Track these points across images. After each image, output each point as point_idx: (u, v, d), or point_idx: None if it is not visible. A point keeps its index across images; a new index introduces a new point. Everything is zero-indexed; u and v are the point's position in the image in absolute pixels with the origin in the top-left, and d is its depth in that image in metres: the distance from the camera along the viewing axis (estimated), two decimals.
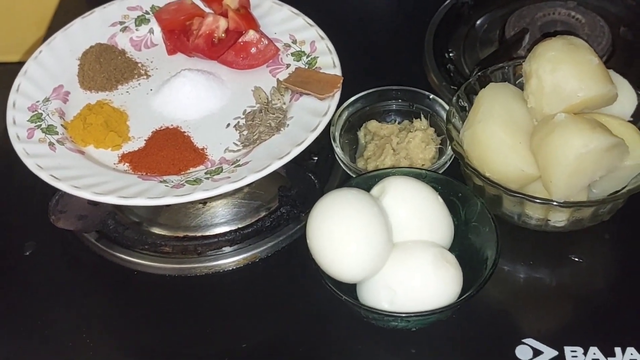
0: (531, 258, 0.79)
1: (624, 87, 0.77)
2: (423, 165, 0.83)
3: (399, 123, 0.89)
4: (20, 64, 0.86)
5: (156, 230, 0.82)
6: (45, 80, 0.83)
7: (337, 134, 0.85)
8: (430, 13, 1.04)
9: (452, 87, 0.94)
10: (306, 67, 0.83)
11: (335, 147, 0.83)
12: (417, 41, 1.01)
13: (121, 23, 0.90)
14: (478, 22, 1.04)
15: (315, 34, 0.86)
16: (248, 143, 0.77)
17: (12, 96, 0.81)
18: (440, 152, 0.85)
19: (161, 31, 0.90)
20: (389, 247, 0.69)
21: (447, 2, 1.04)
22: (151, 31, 0.90)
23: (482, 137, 0.74)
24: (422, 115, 0.88)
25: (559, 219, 0.75)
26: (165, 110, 0.82)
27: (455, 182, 0.76)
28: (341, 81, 0.79)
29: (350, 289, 0.71)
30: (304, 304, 0.76)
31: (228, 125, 0.80)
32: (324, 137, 0.84)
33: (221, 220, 0.82)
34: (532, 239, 0.79)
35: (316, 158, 0.87)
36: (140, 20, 0.90)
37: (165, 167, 0.75)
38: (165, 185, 0.72)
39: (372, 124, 0.87)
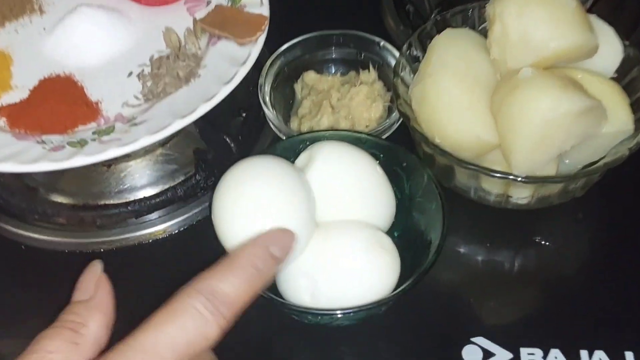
0: (489, 239, 0.66)
1: (607, 36, 0.64)
2: (367, 126, 0.70)
3: (343, 75, 0.76)
4: None
5: (54, 198, 0.69)
6: None
7: (267, 87, 0.71)
8: None
9: (410, 32, 0.80)
10: (229, 5, 0.69)
11: (263, 104, 0.70)
12: None
13: None
14: None
15: None
16: (151, 97, 0.64)
17: None
18: (390, 111, 0.72)
19: None
20: (310, 227, 0.57)
21: None
22: None
23: (432, 94, 0.61)
24: (370, 66, 0.75)
25: (521, 195, 0.62)
26: (57, 55, 0.68)
27: (400, 149, 0.63)
28: (266, 22, 0.66)
29: None
30: None
31: (130, 74, 0.67)
32: (256, 91, 0.70)
33: (127, 186, 0.69)
34: (492, 216, 0.66)
35: (244, 115, 0.74)
36: None
37: (49, 123, 0.62)
38: (43, 148, 0.59)
39: (310, 76, 0.74)
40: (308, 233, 0.56)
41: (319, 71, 0.75)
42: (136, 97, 0.65)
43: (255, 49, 0.64)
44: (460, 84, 0.61)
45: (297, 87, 0.75)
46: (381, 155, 0.63)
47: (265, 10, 0.67)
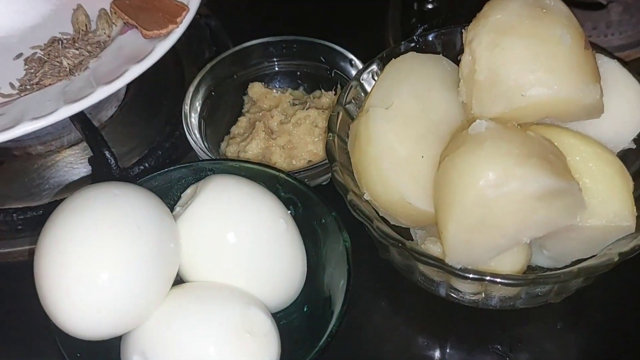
0: (441, 338, 0.49)
1: (629, 93, 0.46)
2: (310, 162, 0.55)
3: (306, 93, 0.61)
4: None
5: None
6: None
7: (199, 97, 0.57)
8: None
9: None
10: None
11: (184, 118, 0.56)
12: None
13: None
14: None
15: None
16: (27, 87, 0.51)
17: None
18: None
19: None
20: (157, 288, 0.43)
21: None
22: None
23: (364, 136, 0.45)
24: (338, 87, 0.59)
25: (467, 290, 0.45)
26: None
27: (320, 202, 0.47)
28: (184, 14, 0.52)
29: None
30: None
31: (19, 55, 0.54)
32: None
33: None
34: (444, 309, 0.50)
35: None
36: None
37: None
38: None
39: (255, 88, 0.59)
40: (153, 297, 0.42)
41: (278, 83, 0.61)
42: (12, 85, 0.52)
43: (161, 45, 0.50)
44: (403, 129, 0.45)
45: (246, 98, 0.60)
46: (300, 205, 0.48)
47: (195, 1, 0.53)
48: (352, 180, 0.47)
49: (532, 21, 0.43)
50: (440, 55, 0.50)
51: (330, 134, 0.48)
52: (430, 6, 0.69)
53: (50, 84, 0.51)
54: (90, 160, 0.55)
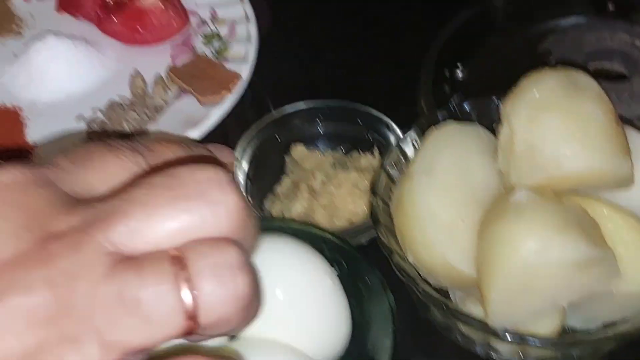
0: None
1: None
2: (350, 221, 0.58)
3: (344, 154, 0.64)
4: None
5: None
6: None
7: (245, 156, 0.60)
8: (449, 14, 0.77)
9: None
10: (212, 57, 0.59)
11: (238, 174, 0.59)
12: (421, 48, 0.74)
13: None
14: (511, 36, 0.76)
15: (242, 13, 0.62)
16: None
17: None
18: None
19: None
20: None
21: (474, 4, 0.77)
22: None
23: (408, 202, 0.49)
24: (375, 150, 0.62)
25: (504, 350, 0.48)
26: (13, 84, 0.60)
27: (363, 261, 0.50)
28: (236, 81, 0.55)
29: None
30: None
31: (80, 117, 0.58)
32: None
33: None
34: None
35: None
36: None
37: None
38: None
39: (297, 150, 0.63)
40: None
41: (317, 144, 0.64)
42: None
43: (216, 111, 0.54)
44: (445, 195, 0.48)
45: (288, 159, 0.64)
46: (344, 265, 0.51)
47: (246, 69, 0.57)
48: (395, 241, 0.50)
49: (566, 99, 0.46)
50: (477, 124, 0.53)
51: (374, 197, 0.51)
52: (460, 75, 0.72)
53: None
54: None
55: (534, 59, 0.72)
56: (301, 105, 0.64)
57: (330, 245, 0.51)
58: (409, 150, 0.54)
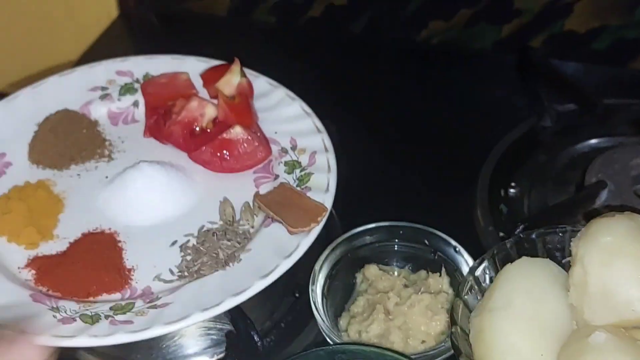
0: None
1: None
2: (424, 342, 0.62)
3: (412, 273, 0.68)
4: None
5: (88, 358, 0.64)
6: None
7: (321, 276, 0.64)
8: (502, 133, 0.82)
9: (501, 234, 0.72)
10: (295, 184, 0.64)
11: (311, 296, 0.63)
12: (474, 166, 0.79)
13: (103, 89, 0.75)
14: (559, 153, 0.81)
15: (321, 144, 0.67)
16: (185, 274, 0.59)
17: None
18: None
19: (145, 106, 0.73)
20: None
21: (524, 123, 0.82)
22: (136, 104, 0.75)
23: (488, 334, 0.53)
24: (442, 270, 0.67)
25: None
26: (108, 209, 0.65)
27: None
28: (324, 214, 0.60)
29: None
30: None
31: (174, 242, 0.63)
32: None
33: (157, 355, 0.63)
34: None
35: (297, 295, 0.67)
36: (126, 89, 0.75)
37: (73, 288, 0.58)
38: (53, 316, 0.55)
39: (371, 270, 0.67)
40: None
41: (387, 263, 0.68)
42: (171, 272, 0.60)
43: (305, 242, 0.58)
44: (523, 330, 0.52)
45: (359, 277, 0.68)
46: None
47: (328, 199, 0.62)
48: None
49: (636, 244, 0.51)
50: (548, 259, 0.57)
51: (454, 326, 0.55)
52: (512, 191, 0.77)
53: (205, 274, 0.58)
54: (228, 335, 0.62)
55: (581, 177, 0.77)
56: (370, 225, 0.68)
57: None
58: (482, 279, 0.59)
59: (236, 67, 0.70)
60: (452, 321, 0.56)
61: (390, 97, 0.90)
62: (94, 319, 0.55)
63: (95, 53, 0.97)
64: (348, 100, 0.77)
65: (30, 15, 1.07)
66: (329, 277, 0.66)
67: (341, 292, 0.67)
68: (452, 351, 0.60)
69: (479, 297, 0.58)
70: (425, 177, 0.80)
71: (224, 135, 0.66)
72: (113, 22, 1.06)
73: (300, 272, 0.63)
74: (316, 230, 0.60)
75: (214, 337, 0.63)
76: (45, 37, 1.08)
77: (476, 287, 0.59)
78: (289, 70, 0.77)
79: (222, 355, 0.63)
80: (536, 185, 0.78)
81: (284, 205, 0.61)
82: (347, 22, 0.99)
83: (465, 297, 0.58)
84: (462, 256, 0.66)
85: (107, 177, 0.68)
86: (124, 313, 0.55)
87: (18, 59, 1.09)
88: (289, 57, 0.81)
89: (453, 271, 0.66)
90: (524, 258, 0.57)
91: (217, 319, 0.62)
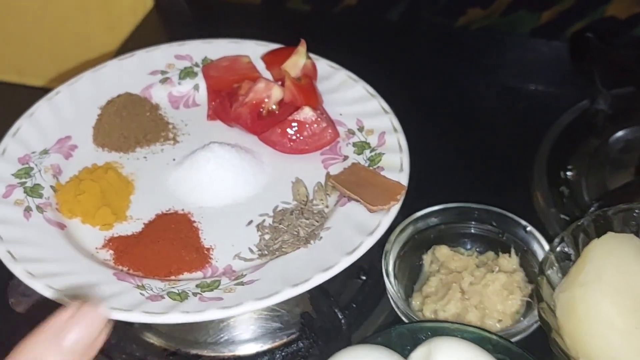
0: None
1: None
2: (500, 321, 0.62)
3: (479, 254, 0.68)
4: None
5: (148, 338, 0.64)
6: (52, 127, 0.68)
7: (392, 256, 0.64)
8: (553, 117, 0.83)
9: (562, 216, 0.72)
10: (366, 165, 0.64)
11: (385, 275, 0.63)
12: (528, 150, 0.79)
13: (163, 73, 0.75)
14: (614, 137, 0.81)
15: (389, 124, 0.67)
16: (266, 252, 0.59)
17: (5, 141, 0.66)
18: (529, 306, 0.63)
19: (206, 90, 0.73)
20: None
21: (576, 107, 0.83)
22: (196, 87, 0.74)
23: (582, 308, 0.53)
24: (512, 251, 0.66)
25: None
26: (179, 190, 0.65)
27: None
28: (402, 192, 0.60)
29: None
30: None
31: (250, 222, 0.62)
32: (380, 251, 0.64)
33: (224, 338, 0.63)
34: None
35: (364, 278, 0.67)
36: (186, 73, 0.75)
37: (154, 267, 0.58)
38: (141, 294, 0.55)
39: (442, 251, 0.67)
40: None
41: (454, 245, 0.68)
42: (251, 250, 0.60)
43: (386, 219, 0.58)
44: (618, 303, 0.52)
45: (426, 259, 0.68)
46: None
47: (404, 178, 0.62)
48: (564, 345, 0.53)
49: None
50: (632, 235, 0.58)
51: (540, 303, 0.55)
52: (570, 174, 0.77)
53: (287, 252, 0.58)
54: (303, 316, 0.62)
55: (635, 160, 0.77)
56: (437, 207, 0.68)
57: (496, 346, 0.55)
58: (561, 255, 0.59)
59: (302, 48, 0.70)
60: (539, 298, 0.56)
61: (439, 82, 0.89)
62: (182, 297, 0.54)
63: (133, 43, 0.97)
64: (394, 85, 0.77)
65: (64, 7, 1.06)
66: (399, 258, 0.66)
67: (408, 274, 0.67)
68: (527, 331, 0.60)
69: (559, 275, 0.58)
70: (480, 159, 0.80)
71: (294, 116, 0.66)
72: (149, 12, 1.05)
73: (363, 255, 0.63)
74: (395, 208, 0.59)
75: (274, 322, 0.63)
76: (80, 28, 1.08)
77: (556, 264, 0.59)
78: (326, 58, 0.77)
79: (293, 337, 0.63)
80: (594, 168, 0.78)
81: (359, 184, 0.61)
82: (384, 10, 0.99)
83: (548, 272, 0.58)
84: (533, 236, 0.66)
85: (174, 159, 0.68)
86: (211, 290, 0.55)
87: (53, 52, 1.09)
88: (324, 46, 0.81)
89: (523, 251, 0.66)
90: (610, 234, 0.57)
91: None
